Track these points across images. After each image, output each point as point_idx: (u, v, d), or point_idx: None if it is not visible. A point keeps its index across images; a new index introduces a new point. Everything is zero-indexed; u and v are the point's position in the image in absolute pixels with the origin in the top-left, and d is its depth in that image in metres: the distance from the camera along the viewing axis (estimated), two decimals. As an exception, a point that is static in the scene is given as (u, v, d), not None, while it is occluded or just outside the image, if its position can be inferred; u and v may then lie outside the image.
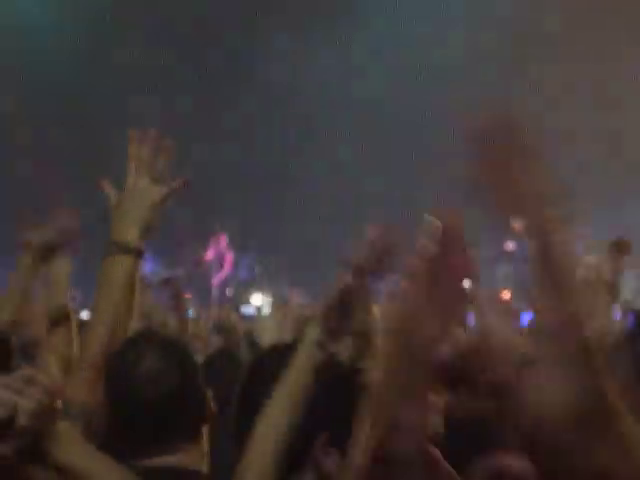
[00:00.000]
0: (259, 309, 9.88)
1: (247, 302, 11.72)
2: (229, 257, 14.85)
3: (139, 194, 2.01)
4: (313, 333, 1.79)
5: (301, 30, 16.60)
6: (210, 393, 1.97)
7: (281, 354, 1.83)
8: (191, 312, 7.42)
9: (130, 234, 1.95)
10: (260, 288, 12.63)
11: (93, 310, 1.95)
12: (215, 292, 14.34)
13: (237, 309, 7.15)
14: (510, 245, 15.14)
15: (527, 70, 16.01)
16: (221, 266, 14.82)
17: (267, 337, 4.44)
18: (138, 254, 1.96)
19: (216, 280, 14.74)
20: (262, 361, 1.92)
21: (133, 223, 1.98)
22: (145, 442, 1.86)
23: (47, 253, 2.49)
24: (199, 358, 3.92)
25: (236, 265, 15.07)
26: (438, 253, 1.23)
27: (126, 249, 1.95)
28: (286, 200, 15.42)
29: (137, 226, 1.96)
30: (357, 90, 16.73)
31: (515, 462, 1.71)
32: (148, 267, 14.74)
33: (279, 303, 7.18)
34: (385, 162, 15.88)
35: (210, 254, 14.79)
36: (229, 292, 14.64)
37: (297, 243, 14.29)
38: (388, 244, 1.75)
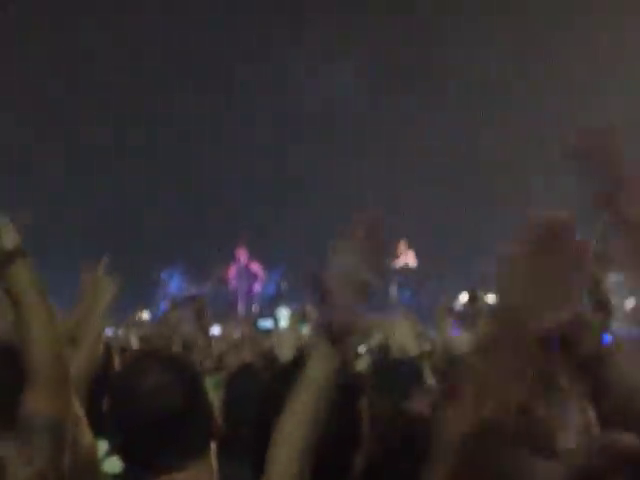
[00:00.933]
0: (276, 322, 9.82)
1: (269, 316, 11.63)
2: (255, 266, 14.83)
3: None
4: (323, 344, 1.77)
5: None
6: (227, 411, 1.97)
7: (299, 371, 1.82)
8: (217, 330, 7.40)
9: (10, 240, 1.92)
10: (287, 304, 12.58)
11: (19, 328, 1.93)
12: (241, 309, 14.34)
13: (255, 323, 7.12)
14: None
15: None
16: (252, 277, 14.80)
17: (286, 352, 4.40)
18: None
19: (255, 287, 14.72)
20: (279, 379, 1.90)
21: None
22: (152, 459, 1.86)
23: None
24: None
25: (264, 281, 15.05)
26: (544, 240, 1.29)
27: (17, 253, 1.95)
28: (313, 214, 15.38)
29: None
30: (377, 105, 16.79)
31: (624, 435, 1.66)
32: (174, 284, 14.87)
33: (297, 316, 7.14)
34: (416, 180, 15.90)
35: (232, 270, 14.79)
36: (255, 308, 14.62)
37: (324, 258, 14.22)
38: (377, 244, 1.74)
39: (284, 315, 10.03)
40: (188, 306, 6.61)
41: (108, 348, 5.04)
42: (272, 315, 11.73)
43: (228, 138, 16.84)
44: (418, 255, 15.34)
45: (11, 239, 1.90)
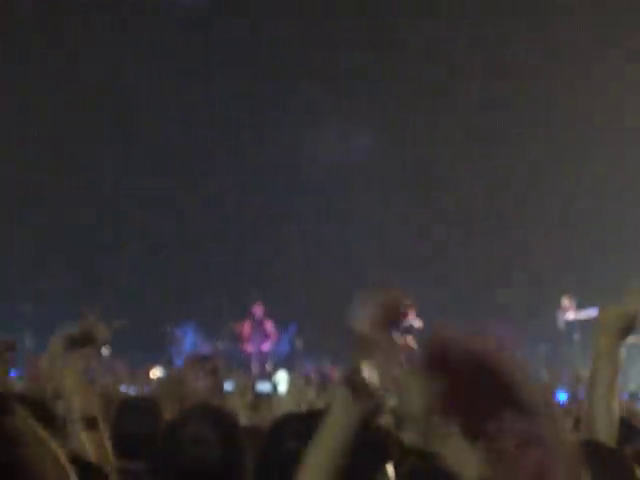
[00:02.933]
0: (275, 386, 9.69)
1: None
2: (269, 324, 14.78)
3: None
4: (343, 395, 1.75)
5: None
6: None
7: (300, 422, 1.80)
8: (232, 386, 7.35)
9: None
10: (299, 364, 12.50)
11: None
12: (255, 367, 14.25)
13: (253, 386, 7.05)
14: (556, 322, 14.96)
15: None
16: (264, 335, 14.74)
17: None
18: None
19: (264, 347, 14.65)
20: (280, 430, 1.89)
21: None
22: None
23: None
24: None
25: (276, 340, 14.98)
26: None
27: None
28: (325, 274, 15.39)
29: None
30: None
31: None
32: (188, 340, 14.83)
33: (298, 381, 7.07)
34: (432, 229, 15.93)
35: (247, 327, 14.74)
36: (268, 367, 14.53)
37: (342, 317, 14.18)
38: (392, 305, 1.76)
39: (283, 378, 9.93)
40: (202, 365, 6.58)
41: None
42: (271, 379, 11.63)
43: (241, 195, 16.95)
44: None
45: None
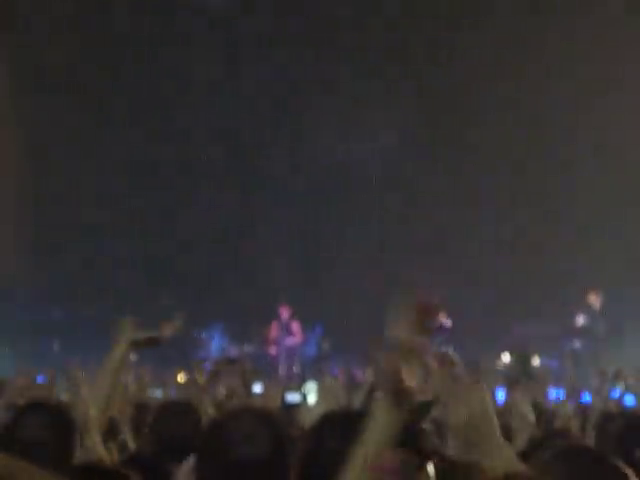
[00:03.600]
0: (305, 397, 9.64)
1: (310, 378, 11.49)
2: (295, 325, 14.79)
3: None
4: (383, 404, 1.77)
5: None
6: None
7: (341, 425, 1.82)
8: (259, 388, 7.35)
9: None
10: (326, 365, 12.46)
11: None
12: (282, 370, 14.25)
13: (282, 398, 7.07)
14: (580, 320, 14.87)
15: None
16: (289, 335, 14.76)
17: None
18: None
19: (289, 341, 14.67)
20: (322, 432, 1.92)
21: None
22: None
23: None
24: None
25: (303, 341, 14.98)
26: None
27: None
28: (348, 276, 15.39)
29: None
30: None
31: None
32: (215, 343, 14.87)
33: (329, 383, 7.05)
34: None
35: (274, 329, 14.75)
36: (296, 369, 14.53)
37: (368, 319, 14.20)
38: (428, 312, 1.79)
39: (312, 389, 9.90)
40: (230, 369, 6.61)
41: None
42: (300, 388, 11.61)
43: (264, 201, 17.00)
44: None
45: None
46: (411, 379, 1.75)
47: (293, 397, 10.25)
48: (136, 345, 3.01)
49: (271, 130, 17.22)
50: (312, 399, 7.13)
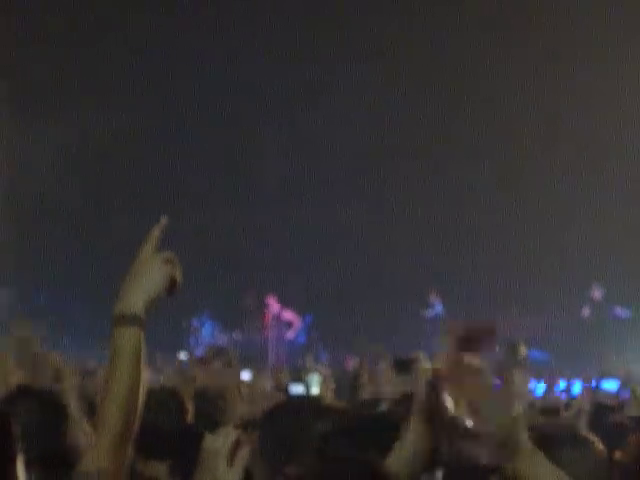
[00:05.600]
0: (308, 388, 9.67)
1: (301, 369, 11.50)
2: (289, 314, 14.81)
3: (150, 266, 2.06)
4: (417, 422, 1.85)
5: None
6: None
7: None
8: (247, 375, 7.38)
9: (137, 306, 2.01)
10: (316, 352, 12.52)
11: (107, 383, 2.00)
12: (272, 356, 14.28)
13: (286, 389, 7.08)
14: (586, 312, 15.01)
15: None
16: (283, 324, 14.78)
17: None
18: (143, 325, 2.02)
19: (289, 335, 14.70)
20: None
21: (141, 295, 2.02)
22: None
23: None
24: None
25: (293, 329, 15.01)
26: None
27: (134, 321, 2.01)
28: (338, 263, 15.40)
29: (144, 298, 2.02)
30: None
31: None
32: (206, 330, 14.88)
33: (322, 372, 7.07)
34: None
35: (267, 317, 14.78)
36: (285, 357, 14.56)
37: (357, 306, 14.27)
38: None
39: (316, 381, 9.92)
40: (218, 358, 6.62)
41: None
42: (302, 379, 11.58)
43: (257, 190, 16.99)
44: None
45: (133, 306, 2.01)
46: (457, 404, 1.76)
47: (297, 388, 10.26)
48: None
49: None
50: (315, 390, 7.16)
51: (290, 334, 14.79)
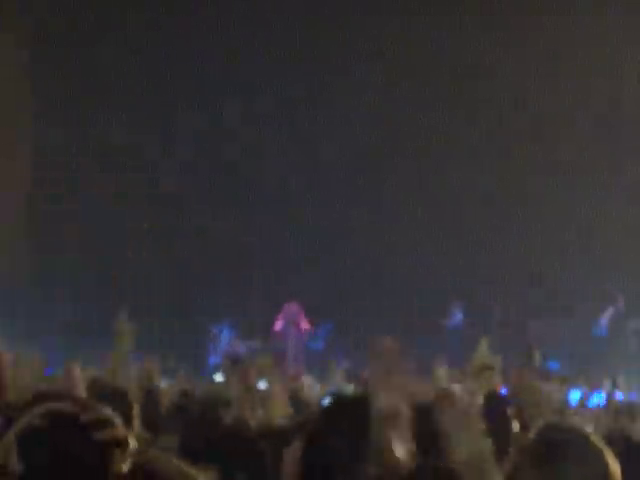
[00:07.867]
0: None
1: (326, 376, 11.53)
2: (305, 322, 14.79)
3: None
4: None
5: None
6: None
7: None
8: (264, 385, 7.35)
9: None
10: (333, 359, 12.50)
11: None
12: (291, 364, 14.25)
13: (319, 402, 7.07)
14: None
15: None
16: (300, 331, 14.77)
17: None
18: None
19: (302, 342, 14.69)
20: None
21: None
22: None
23: None
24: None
25: (312, 336, 14.99)
26: None
27: None
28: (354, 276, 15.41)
29: None
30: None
31: None
32: (225, 335, 14.82)
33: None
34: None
35: (279, 324, 14.75)
36: (302, 364, 14.54)
37: (373, 317, 14.24)
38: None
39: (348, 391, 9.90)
40: (235, 367, 6.61)
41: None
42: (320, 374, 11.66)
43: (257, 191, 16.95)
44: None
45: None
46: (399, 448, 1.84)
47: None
48: None
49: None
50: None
51: (297, 333, 14.75)
